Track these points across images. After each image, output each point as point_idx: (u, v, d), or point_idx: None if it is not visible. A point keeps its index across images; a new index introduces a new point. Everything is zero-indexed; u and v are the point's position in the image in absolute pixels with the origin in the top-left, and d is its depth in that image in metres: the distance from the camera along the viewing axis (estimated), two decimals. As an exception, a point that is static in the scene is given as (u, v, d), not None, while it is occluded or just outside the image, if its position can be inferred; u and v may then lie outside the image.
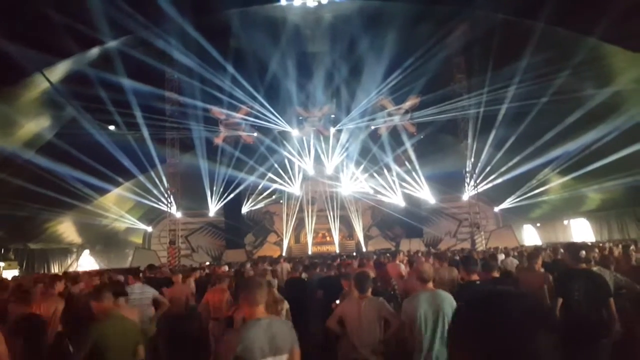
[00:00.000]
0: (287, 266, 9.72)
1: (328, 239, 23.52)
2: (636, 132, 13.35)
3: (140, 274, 7.83)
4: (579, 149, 15.17)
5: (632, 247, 10.89)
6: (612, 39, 12.66)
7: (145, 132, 17.59)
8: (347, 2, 16.19)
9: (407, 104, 20.24)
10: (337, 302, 4.80)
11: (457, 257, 9.21)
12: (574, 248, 4.55)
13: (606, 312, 3.88)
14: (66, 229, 19.76)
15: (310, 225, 23.00)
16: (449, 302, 3.49)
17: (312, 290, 6.80)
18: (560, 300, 4.10)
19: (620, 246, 10.56)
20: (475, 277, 4.48)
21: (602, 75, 14.09)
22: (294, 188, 22.78)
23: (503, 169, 18.71)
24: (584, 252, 4.38)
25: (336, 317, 4.04)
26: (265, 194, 23.32)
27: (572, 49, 13.47)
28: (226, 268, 10.49)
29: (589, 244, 11.51)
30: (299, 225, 23.74)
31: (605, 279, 4.16)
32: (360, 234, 23.24)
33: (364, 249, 21.86)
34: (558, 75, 14.23)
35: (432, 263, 7.62)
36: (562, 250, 10.73)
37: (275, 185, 22.68)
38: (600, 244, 12.04)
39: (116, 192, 19.55)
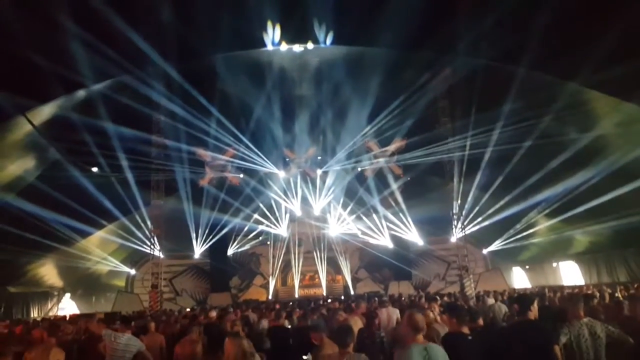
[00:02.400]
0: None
1: (316, 281, 23.05)
2: (621, 175, 13.36)
3: (132, 323, 7.36)
4: (564, 191, 15.18)
5: (621, 293, 10.70)
6: (593, 84, 12.85)
7: (130, 175, 17.42)
8: (332, 48, 16.45)
9: (393, 147, 20.34)
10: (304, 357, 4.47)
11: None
12: (523, 300, 4.42)
13: None
14: (47, 272, 19.25)
15: (297, 267, 22.63)
16: (443, 357, 3.37)
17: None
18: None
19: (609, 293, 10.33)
20: (465, 329, 4.27)
21: (585, 119, 14.20)
22: (281, 229, 22.58)
23: (490, 211, 18.65)
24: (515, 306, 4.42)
25: None
26: (251, 235, 23.06)
27: (554, 94, 13.65)
28: (214, 313, 9.98)
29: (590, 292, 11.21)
30: (286, 268, 23.36)
31: (545, 328, 4.11)
32: (348, 276, 22.84)
33: (352, 292, 21.39)
34: (541, 119, 14.37)
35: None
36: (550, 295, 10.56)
37: (261, 227, 22.46)
38: (590, 291, 11.76)
39: (99, 234, 19.24)
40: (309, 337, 4.72)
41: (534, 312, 4.25)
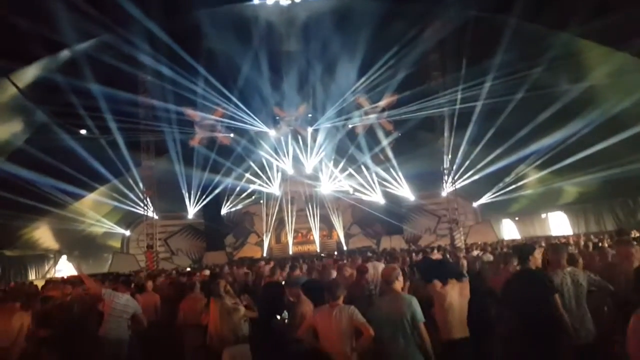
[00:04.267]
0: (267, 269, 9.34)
1: (309, 238, 23.51)
2: (611, 126, 13.39)
3: (132, 285, 7.29)
4: (555, 143, 15.24)
5: (607, 242, 10.97)
6: (586, 33, 12.65)
7: (119, 136, 17.27)
8: (320, 1, 16.01)
9: (384, 102, 20.17)
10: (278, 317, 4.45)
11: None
12: (523, 249, 4.53)
13: (551, 309, 3.87)
14: (42, 234, 19.43)
15: (290, 225, 23.00)
16: (408, 305, 3.62)
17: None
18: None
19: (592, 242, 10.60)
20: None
21: (576, 70, 14.10)
22: (273, 188, 22.76)
23: (480, 164, 18.79)
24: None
25: (308, 327, 3.89)
26: (244, 194, 23.22)
27: (546, 45, 13.46)
28: (207, 272, 10.19)
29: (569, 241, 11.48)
30: (280, 225, 23.73)
31: (545, 276, 4.13)
32: (340, 233, 23.27)
33: (344, 248, 21.88)
34: (532, 71, 14.24)
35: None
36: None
37: (254, 186, 22.60)
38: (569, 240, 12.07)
39: (92, 196, 19.26)
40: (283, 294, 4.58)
41: (533, 261, 4.28)
